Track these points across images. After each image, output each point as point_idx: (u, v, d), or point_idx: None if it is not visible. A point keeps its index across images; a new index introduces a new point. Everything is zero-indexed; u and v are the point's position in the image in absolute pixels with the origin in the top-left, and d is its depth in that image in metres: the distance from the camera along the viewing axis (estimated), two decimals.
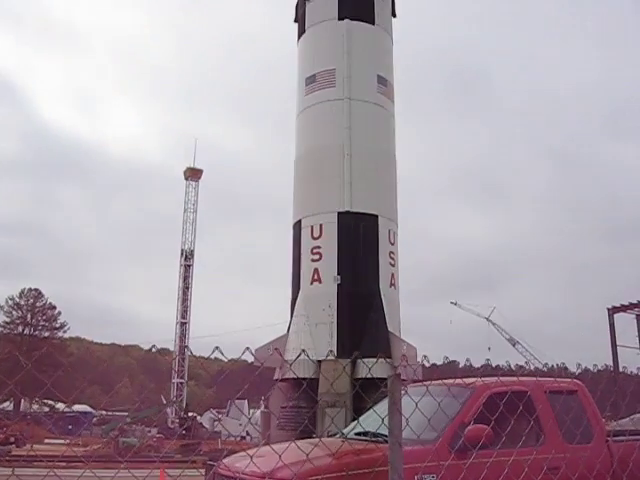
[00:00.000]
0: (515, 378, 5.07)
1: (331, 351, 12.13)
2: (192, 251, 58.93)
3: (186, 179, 60.69)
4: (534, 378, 5.32)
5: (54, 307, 57.02)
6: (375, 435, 4.69)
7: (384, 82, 14.27)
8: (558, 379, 5.41)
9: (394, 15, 15.30)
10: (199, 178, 61.12)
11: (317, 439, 4.66)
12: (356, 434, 5.38)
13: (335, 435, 5.67)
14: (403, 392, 3.45)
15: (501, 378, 4.86)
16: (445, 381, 5.08)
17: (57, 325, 57.10)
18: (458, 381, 5.19)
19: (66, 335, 58.63)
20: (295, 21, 15.44)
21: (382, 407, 4.29)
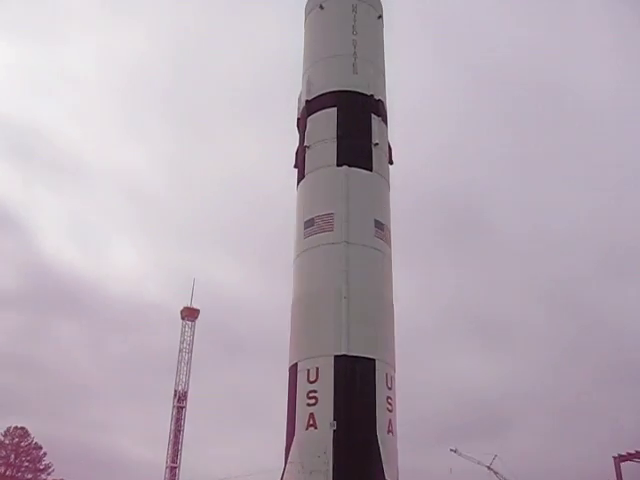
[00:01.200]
0: None
1: None
2: (185, 393, 58.00)
3: (182, 319, 60.61)
4: None
5: (40, 447, 55.44)
6: None
7: (381, 226, 14.51)
8: None
9: (391, 162, 15.78)
10: (196, 318, 61.04)
11: None
12: None
13: None
14: None
15: None
16: None
17: (41, 467, 55.32)
18: None
19: (50, 477, 56.67)
20: (295, 167, 15.90)
21: None
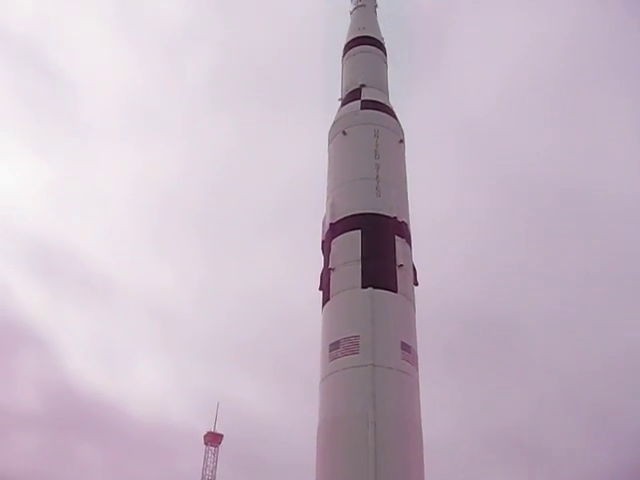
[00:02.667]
0: None
1: None
2: None
3: (206, 444, 59.33)
4: None
5: None
6: None
7: (408, 348, 14.30)
8: None
9: (416, 284, 15.74)
10: (219, 443, 59.77)
11: None
12: None
13: None
14: None
15: None
16: None
17: None
18: None
19: None
20: (320, 289, 15.89)
21: None
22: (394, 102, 18.53)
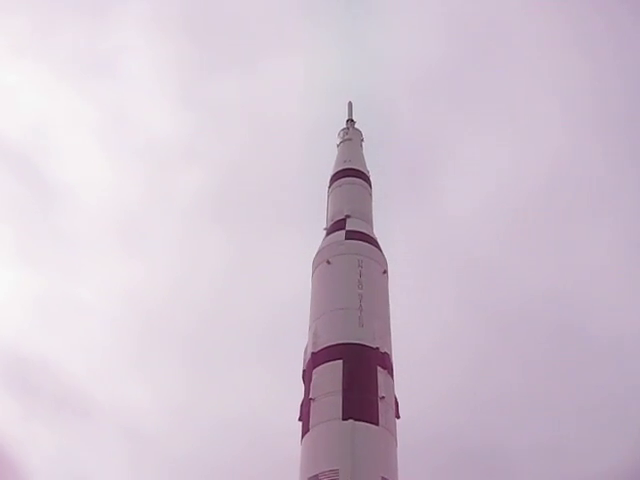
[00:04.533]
0: None
1: None
2: None
3: None
4: None
5: None
6: None
7: None
8: None
9: (398, 417, 15.52)
10: None
11: None
12: None
13: None
14: None
15: None
16: None
17: None
18: None
19: None
20: (299, 419, 15.63)
21: None
22: (379, 233, 18.93)
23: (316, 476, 13.89)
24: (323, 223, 19.76)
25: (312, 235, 20.23)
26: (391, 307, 17.45)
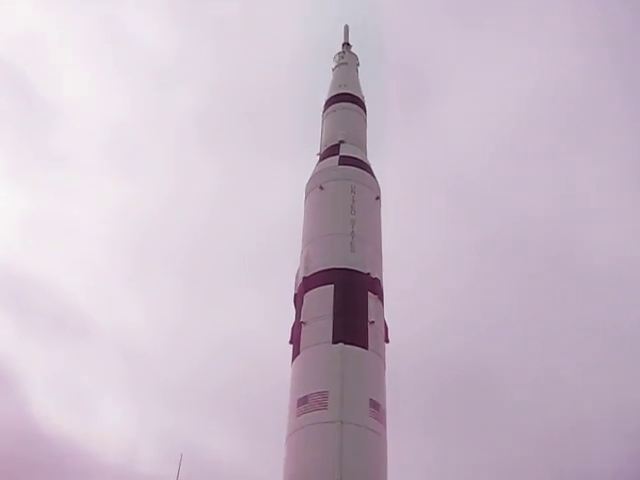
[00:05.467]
0: None
1: None
2: None
3: None
4: None
5: None
6: None
7: (376, 406, 14.24)
8: None
9: (387, 341, 15.76)
10: None
11: None
12: None
13: None
14: None
15: None
16: None
17: None
18: None
19: None
20: (290, 342, 15.84)
21: None
22: (372, 159, 18.82)
23: (305, 398, 14.18)
24: (317, 148, 19.61)
25: (306, 160, 20.13)
26: (383, 233, 17.49)
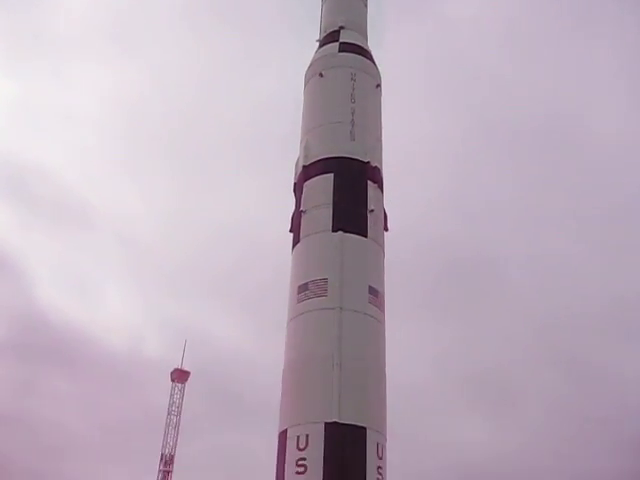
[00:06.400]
0: None
1: None
2: (172, 456, 56.88)
3: (172, 380, 59.78)
4: None
5: None
6: None
7: (375, 293, 14.49)
8: None
9: (386, 229, 15.87)
10: (186, 380, 60.23)
11: None
12: None
13: None
14: None
15: None
16: None
17: None
18: None
19: None
20: (290, 231, 15.95)
21: None
22: (373, 46, 18.38)
23: (306, 284, 14.42)
24: (316, 35, 19.10)
25: (305, 47, 19.64)
26: (383, 121, 17.29)
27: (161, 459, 56.71)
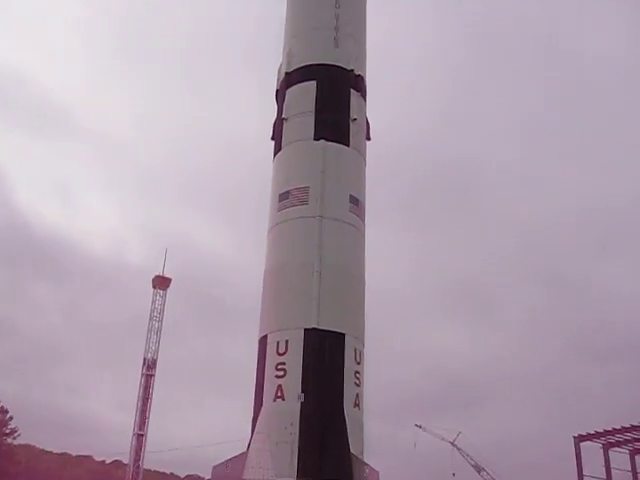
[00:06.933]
0: None
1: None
2: (155, 360, 57.91)
3: (154, 287, 60.25)
4: None
5: (6, 411, 55.16)
6: None
7: (356, 202, 14.55)
8: None
9: (368, 138, 15.78)
10: (167, 287, 60.74)
11: None
12: None
13: None
14: None
15: None
16: None
17: (7, 431, 55.01)
18: None
19: (15, 442, 56.41)
20: (272, 139, 15.82)
21: None
22: None
23: (287, 192, 14.42)
24: None
25: None
26: (368, 28, 16.93)
27: (144, 363, 57.72)
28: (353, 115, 15.05)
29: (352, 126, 15.01)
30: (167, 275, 61.07)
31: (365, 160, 15.46)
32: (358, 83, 15.56)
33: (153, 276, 60.69)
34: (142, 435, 55.86)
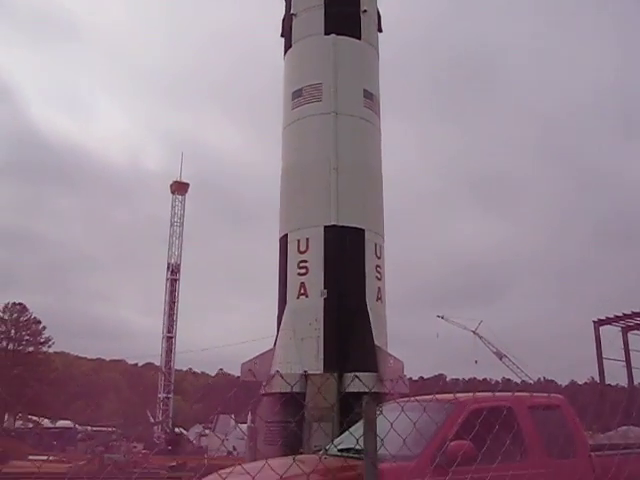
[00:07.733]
0: (492, 394, 5.08)
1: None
2: (178, 265, 58.92)
3: (172, 193, 60.64)
4: (514, 393, 5.33)
5: (39, 322, 56.81)
6: (358, 452, 4.67)
7: (370, 96, 14.33)
8: (538, 394, 5.43)
9: (380, 30, 15.39)
10: (185, 192, 61.13)
11: (293, 457, 4.63)
12: (340, 450, 5.36)
13: (319, 451, 5.65)
14: (378, 412, 3.45)
15: (480, 394, 4.88)
16: (427, 397, 5.07)
17: (42, 340, 56.79)
18: (442, 396, 5.19)
19: (51, 350, 58.28)
20: (282, 36, 15.49)
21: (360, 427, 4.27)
22: None
23: (300, 90, 14.22)
24: None
25: None
26: None
27: (168, 268, 58.73)
28: (363, 7, 14.63)
29: (363, 18, 14.61)
30: (185, 180, 61.31)
31: (378, 53, 15.13)
32: None
33: (171, 182, 60.95)
34: (171, 337, 57.52)
